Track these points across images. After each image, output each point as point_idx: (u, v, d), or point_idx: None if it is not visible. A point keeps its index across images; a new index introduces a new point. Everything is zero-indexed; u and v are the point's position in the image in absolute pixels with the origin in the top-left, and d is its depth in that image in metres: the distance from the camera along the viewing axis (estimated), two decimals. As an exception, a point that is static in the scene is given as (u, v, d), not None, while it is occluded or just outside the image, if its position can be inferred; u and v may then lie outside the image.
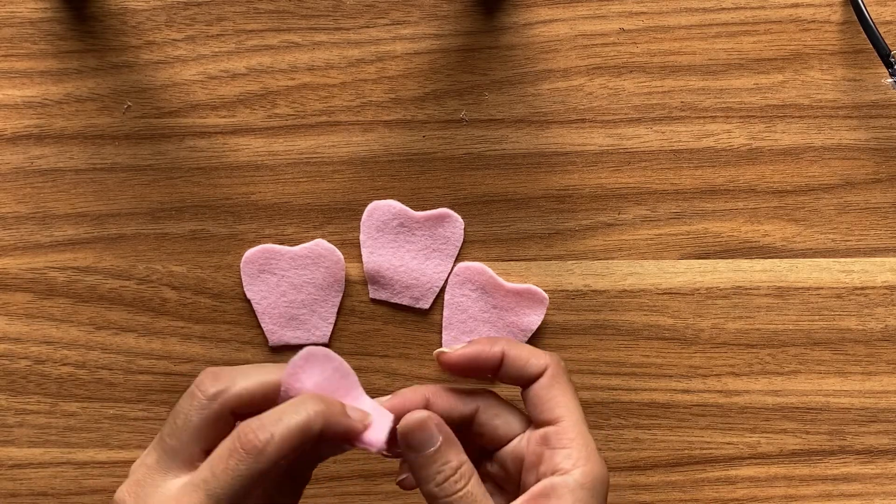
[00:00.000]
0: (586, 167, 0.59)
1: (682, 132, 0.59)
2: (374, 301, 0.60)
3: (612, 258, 0.59)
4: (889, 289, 0.59)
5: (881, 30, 0.57)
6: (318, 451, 0.44)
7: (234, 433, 0.40)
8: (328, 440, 0.41)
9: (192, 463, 0.41)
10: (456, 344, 0.49)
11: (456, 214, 0.59)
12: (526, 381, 0.46)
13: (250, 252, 0.59)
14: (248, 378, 0.42)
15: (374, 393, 0.60)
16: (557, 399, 0.45)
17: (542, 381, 0.46)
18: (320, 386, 0.43)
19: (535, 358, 0.46)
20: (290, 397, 0.42)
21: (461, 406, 0.46)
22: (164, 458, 0.41)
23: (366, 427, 0.42)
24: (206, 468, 0.40)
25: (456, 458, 0.43)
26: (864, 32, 0.57)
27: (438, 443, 0.43)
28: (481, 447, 0.47)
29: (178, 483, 0.41)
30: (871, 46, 0.57)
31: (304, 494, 0.46)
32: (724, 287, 0.59)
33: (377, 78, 0.59)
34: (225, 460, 0.40)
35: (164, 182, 0.59)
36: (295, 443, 0.40)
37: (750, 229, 0.59)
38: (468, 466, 0.43)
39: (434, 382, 0.59)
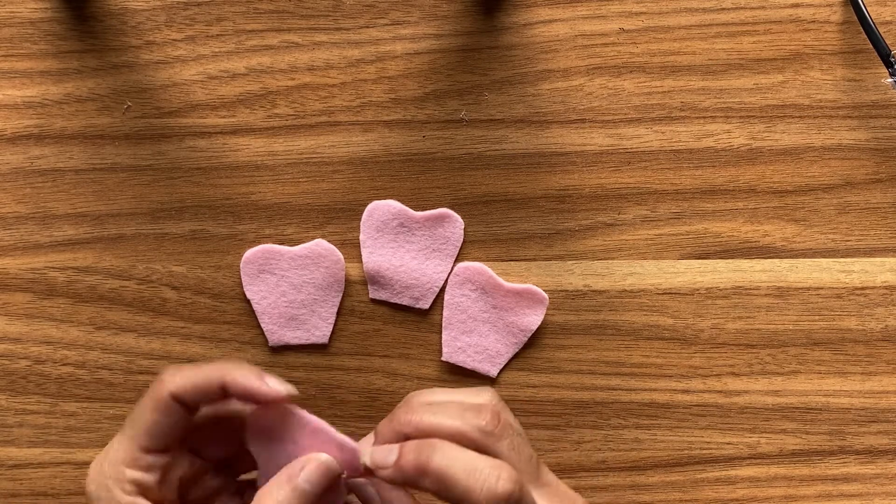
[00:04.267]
0: (586, 167, 0.59)
1: (682, 132, 0.59)
2: (374, 301, 0.60)
3: (612, 258, 0.59)
4: (889, 289, 0.59)
5: (881, 30, 0.57)
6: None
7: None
8: (237, 397, 0.44)
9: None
10: (381, 458, 0.43)
11: (456, 214, 0.59)
12: None
13: (250, 252, 0.59)
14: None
15: (374, 393, 0.60)
16: None
17: None
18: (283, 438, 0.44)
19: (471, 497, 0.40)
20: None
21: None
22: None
23: (274, 391, 0.43)
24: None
25: None
26: (864, 32, 0.57)
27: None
28: None
29: None
30: (871, 46, 0.57)
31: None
32: (724, 287, 0.59)
33: (377, 78, 0.59)
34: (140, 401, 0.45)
35: (164, 182, 0.59)
36: (193, 386, 0.43)
37: (750, 229, 0.59)
38: None
39: (435, 385, 0.59)
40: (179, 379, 0.43)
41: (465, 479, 0.40)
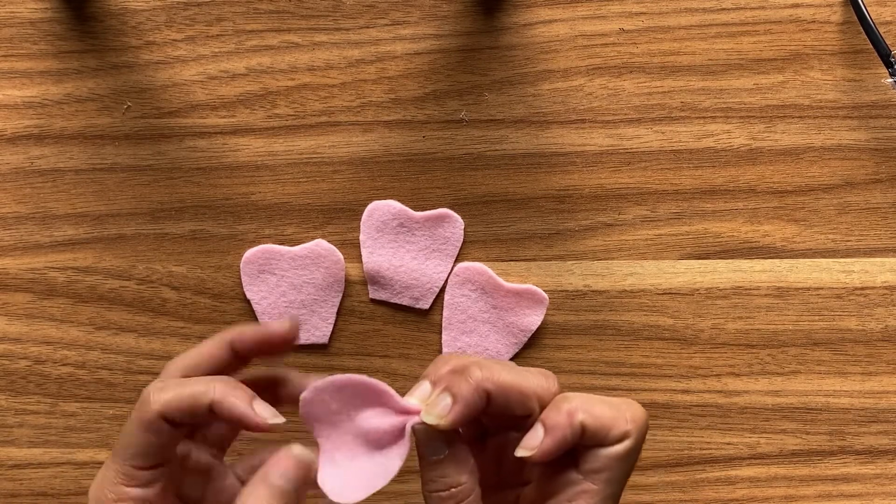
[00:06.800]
0: (586, 167, 0.59)
1: (682, 132, 0.59)
2: (374, 301, 0.60)
3: (612, 258, 0.59)
4: (889, 289, 0.60)
5: (881, 30, 0.57)
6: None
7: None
8: (225, 420, 0.43)
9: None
10: (531, 441, 0.42)
11: (456, 214, 0.59)
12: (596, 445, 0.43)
13: (250, 252, 0.59)
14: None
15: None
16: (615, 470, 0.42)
17: (617, 448, 0.43)
18: (340, 412, 0.43)
19: (617, 427, 0.42)
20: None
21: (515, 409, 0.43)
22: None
23: (262, 422, 0.42)
24: None
25: (454, 476, 0.42)
26: (864, 32, 0.57)
27: (442, 455, 0.42)
28: None
29: None
30: (871, 46, 0.57)
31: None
32: (724, 287, 0.59)
33: (377, 78, 0.59)
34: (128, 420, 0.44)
35: (164, 182, 0.59)
36: (180, 406, 0.42)
37: (750, 229, 0.59)
38: (466, 488, 0.42)
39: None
40: (166, 397, 0.43)
41: (610, 413, 0.42)
